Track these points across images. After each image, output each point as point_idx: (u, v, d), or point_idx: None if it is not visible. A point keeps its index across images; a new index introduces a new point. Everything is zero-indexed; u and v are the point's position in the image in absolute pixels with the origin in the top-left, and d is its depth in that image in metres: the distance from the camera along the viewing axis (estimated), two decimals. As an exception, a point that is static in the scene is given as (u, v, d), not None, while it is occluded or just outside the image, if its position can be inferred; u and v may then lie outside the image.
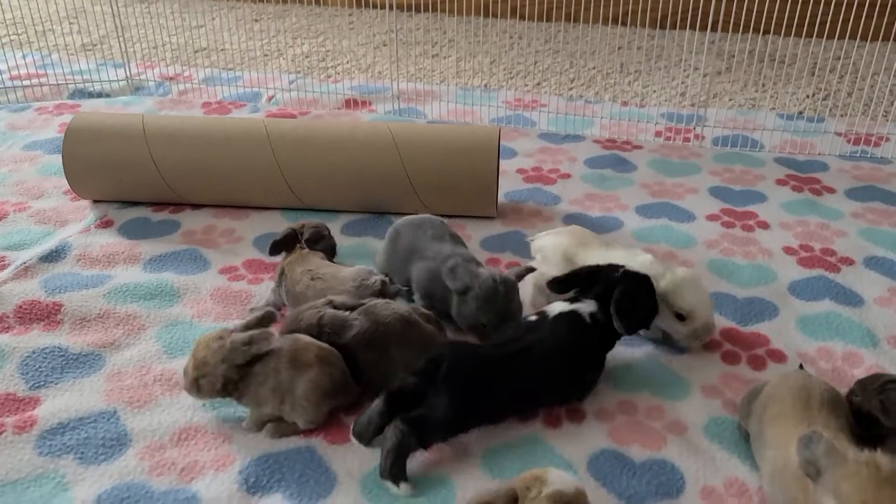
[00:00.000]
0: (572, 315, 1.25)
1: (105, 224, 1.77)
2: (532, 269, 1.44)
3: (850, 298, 1.51)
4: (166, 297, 1.51)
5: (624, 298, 1.24)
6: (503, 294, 1.35)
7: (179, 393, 1.27)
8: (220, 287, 1.54)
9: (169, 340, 1.39)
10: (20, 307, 1.45)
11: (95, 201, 1.85)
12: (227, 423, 1.21)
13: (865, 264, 1.62)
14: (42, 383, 1.29)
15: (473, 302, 1.35)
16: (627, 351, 1.37)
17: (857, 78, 2.71)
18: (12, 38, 3.09)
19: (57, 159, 1.92)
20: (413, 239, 1.50)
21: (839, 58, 2.89)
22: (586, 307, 1.26)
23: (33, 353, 1.34)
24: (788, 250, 1.67)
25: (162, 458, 1.15)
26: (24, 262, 1.59)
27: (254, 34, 3.19)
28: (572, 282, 1.31)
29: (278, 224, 1.76)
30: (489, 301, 1.34)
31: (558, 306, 1.27)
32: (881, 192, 1.93)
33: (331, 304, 1.28)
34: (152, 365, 1.33)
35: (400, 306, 1.28)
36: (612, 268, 1.30)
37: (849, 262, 1.63)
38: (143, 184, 1.78)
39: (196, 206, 1.83)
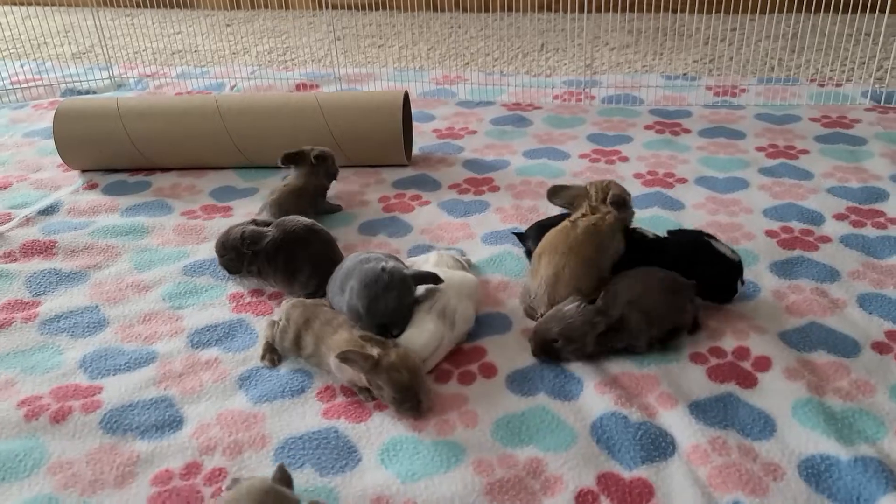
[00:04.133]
0: None
1: (91, 187, 2.18)
2: (438, 281, 1.42)
3: (674, 205, 1.91)
4: (138, 233, 1.92)
5: None
6: (385, 282, 1.32)
7: (146, 293, 1.68)
8: (180, 224, 1.95)
9: (139, 261, 1.80)
10: (23, 245, 1.86)
11: (83, 171, 2.27)
12: (182, 309, 1.62)
13: (696, 182, 2.02)
14: (42, 292, 1.70)
15: (354, 286, 1.33)
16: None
17: (742, 45, 3.11)
18: (11, 51, 3.52)
19: (51, 143, 2.33)
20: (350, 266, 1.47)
21: (734, 29, 3.29)
22: None
23: (34, 273, 1.76)
24: (637, 175, 2.07)
25: (131, 331, 1.56)
26: (26, 216, 2.01)
27: (224, 37, 3.61)
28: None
29: (232, 180, 2.18)
30: (367, 287, 1.32)
31: None
32: (727, 130, 2.33)
33: (253, 221, 1.69)
34: (126, 277, 1.74)
35: (305, 219, 1.68)
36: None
37: (683, 181, 2.03)
38: (119, 153, 2.20)
39: (164, 169, 2.24)
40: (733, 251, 1.52)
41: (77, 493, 1.18)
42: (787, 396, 1.29)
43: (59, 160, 2.28)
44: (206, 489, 1.18)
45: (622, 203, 1.55)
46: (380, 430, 1.27)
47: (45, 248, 1.85)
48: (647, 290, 1.40)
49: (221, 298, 1.65)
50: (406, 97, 2.17)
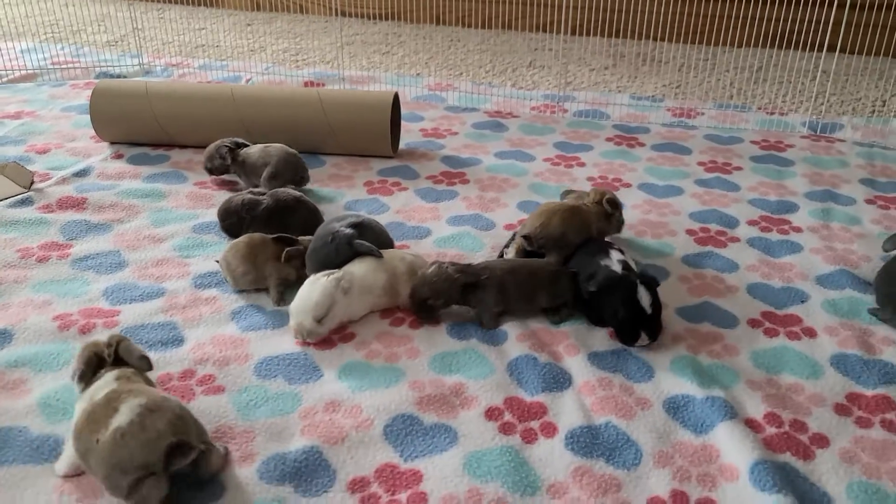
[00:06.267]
0: None
1: (118, 156, 2.51)
2: (378, 255, 1.73)
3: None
4: (156, 197, 2.25)
5: None
6: (327, 241, 1.73)
7: (160, 244, 2.00)
8: (193, 192, 2.28)
9: (156, 219, 2.13)
10: (59, 200, 2.19)
11: (112, 143, 2.60)
12: (189, 259, 1.94)
13: (638, 187, 2.34)
14: (73, 237, 2.02)
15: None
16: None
17: (711, 73, 3.43)
18: (52, 35, 3.88)
19: (86, 118, 2.67)
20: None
21: (707, 59, 3.61)
22: None
23: (68, 223, 2.08)
24: (589, 178, 2.39)
25: (146, 272, 1.88)
26: (62, 176, 2.34)
27: (244, 35, 3.96)
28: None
29: (240, 159, 2.50)
30: (316, 239, 1.77)
31: None
32: (677, 146, 2.65)
33: (251, 192, 2.02)
34: (143, 230, 2.07)
35: (295, 192, 2.01)
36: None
37: (627, 185, 2.35)
38: (145, 128, 2.53)
39: (183, 146, 2.57)
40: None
41: (97, 383, 1.50)
42: (669, 354, 1.60)
43: (92, 132, 2.61)
44: (197, 388, 1.50)
45: (615, 202, 1.93)
46: (340, 356, 1.59)
47: (77, 203, 2.18)
48: (511, 269, 1.71)
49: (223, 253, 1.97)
50: (396, 98, 2.50)
